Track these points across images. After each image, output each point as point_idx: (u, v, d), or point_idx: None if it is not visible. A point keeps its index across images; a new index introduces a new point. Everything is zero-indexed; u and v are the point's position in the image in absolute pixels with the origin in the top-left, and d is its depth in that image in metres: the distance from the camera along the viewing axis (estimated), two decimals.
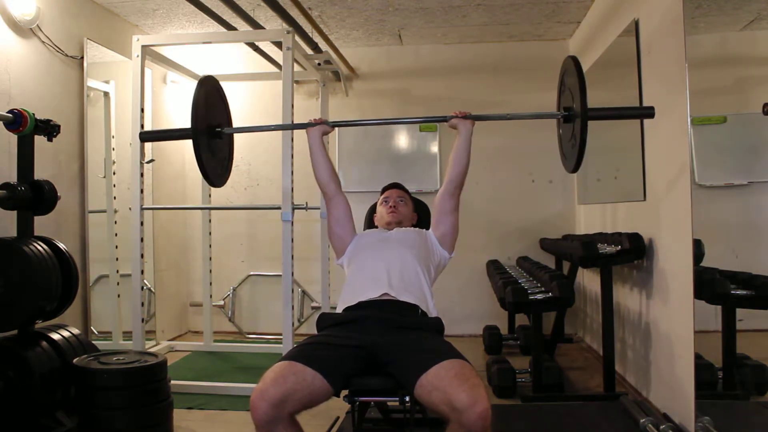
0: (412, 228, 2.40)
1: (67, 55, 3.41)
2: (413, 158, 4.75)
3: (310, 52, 4.00)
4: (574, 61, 1.99)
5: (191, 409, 3.02)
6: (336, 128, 4.65)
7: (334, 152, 4.72)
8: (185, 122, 5.13)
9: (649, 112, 2.09)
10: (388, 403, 2.26)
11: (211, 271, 4.37)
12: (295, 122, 3.14)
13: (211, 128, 2.05)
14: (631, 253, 2.92)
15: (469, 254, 4.36)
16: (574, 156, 2.03)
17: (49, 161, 3.20)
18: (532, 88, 4.68)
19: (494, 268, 4.07)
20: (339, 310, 2.07)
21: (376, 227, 2.51)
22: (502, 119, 2.42)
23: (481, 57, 4.74)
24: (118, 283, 3.86)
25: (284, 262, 3.15)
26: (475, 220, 4.43)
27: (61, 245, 2.70)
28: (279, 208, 3.20)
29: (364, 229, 2.65)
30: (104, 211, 3.86)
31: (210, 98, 2.05)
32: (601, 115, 2.15)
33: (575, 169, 2.06)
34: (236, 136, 4.76)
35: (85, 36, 3.57)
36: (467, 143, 2.31)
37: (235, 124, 5.42)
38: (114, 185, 3.90)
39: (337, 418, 2.64)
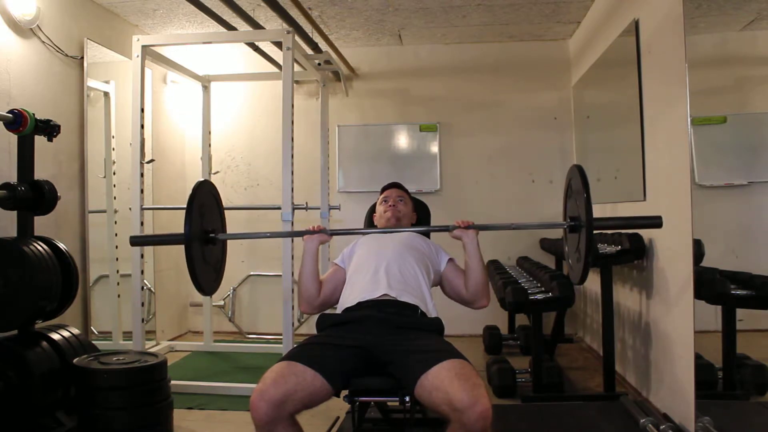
0: (416, 233, 2.39)
1: (67, 55, 3.41)
2: (413, 158, 4.75)
3: (310, 52, 4.00)
4: (579, 171, 1.95)
5: (191, 409, 3.02)
6: (336, 128, 4.73)
7: (334, 152, 4.73)
8: (185, 122, 5.12)
9: (656, 223, 2.04)
10: (388, 403, 2.26)
11: None
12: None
13: (204, 234, 2.00)
14: (631, 253, 2.92)
15: None
16: (580, 269, 1.96)
17: (49, 161, 3.20)
18: (532, 88, 4.69)
19: (494, 268, 4.07)
20: (339, 311, 2.07)
21: (376, 227, 2.51)
22: (506, 229, 2.32)
23: (481, 57, 4.74)
24: (118, 283, 3.86)
25: (284, 262, 3.15)
26: (475, 219, 4.40)
27: (61, 245, 2.70)
28: (279, 208, 3.20)
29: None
30: (104, 211, 3.86)
31: (204, 203, 2.00)
32: (608, 226, 2.13)
33: (581, 282, 1.98)
34: (235, 132, 4.86)
35: (85, 36, 3.57)
36: (476, 255, 2.15)
37: (235, 125, 5.41)
38: (114, 185, 3.90)
39: (337, 418, 2.64)
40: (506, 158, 4.68)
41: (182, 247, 1.85)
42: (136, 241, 2.24)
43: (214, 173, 4.60)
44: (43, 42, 3.22)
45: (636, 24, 3.00)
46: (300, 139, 3.47)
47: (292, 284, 3.17)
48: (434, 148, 4.74)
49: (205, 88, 4.39)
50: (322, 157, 4.31)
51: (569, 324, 4.37)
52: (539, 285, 3.25)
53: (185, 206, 1.90)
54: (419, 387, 1.62)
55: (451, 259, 2.29)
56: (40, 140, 2.75)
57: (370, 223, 2.62)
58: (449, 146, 4.72)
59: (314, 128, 4.42)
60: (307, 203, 3.51)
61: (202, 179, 2.09)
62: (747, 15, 2.61)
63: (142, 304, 3.31)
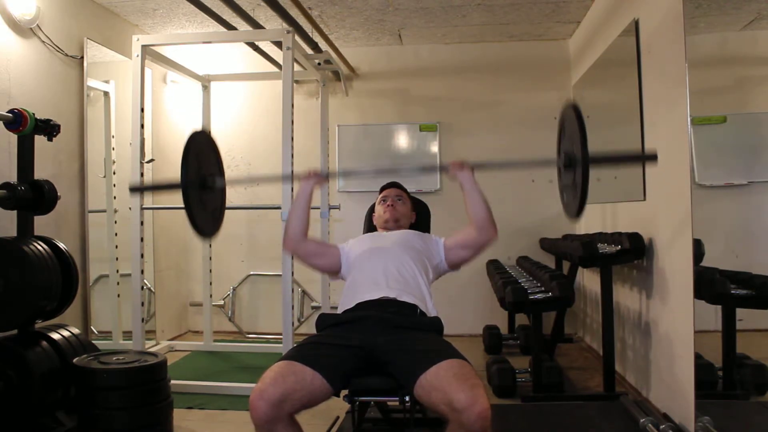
0: (412, 231, 2.39)
1: (67, 55, 3.41)
2: (413, 158, 4.74)
3: (310, 51, 4.00)
4: (575, 110, 1.96)
5: (191, 408, 3.02)
6: (336, 128, 4.73)
7: (334, 152, 4.73)
8: (184, 122, 5.12)
9: (652, 158, 2.04)
10: (388, 403, 2.26)
11: (211, 270, 4.37)
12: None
13: (202, 180, 2.01)
14: (631, 253, 2.92)
15: None
16: (575, 204, 1.96)
17: (49, 161, 3.20)
18: (532, 88, 4.69)
19: (494, 267, 4.07)
20: (339, 312, 2.07)
21: (376, 228, 2.51)
22: (501, 168, 2.34)
23: (481, 57, 4.74)
24: (118, 283, 3.86)
25: (284, 262, 3.15)
26: None
27: (61, 245, 2.70)
28: (279, 208, 3.20)
29: (363, 231, 2.65)
30: (104, 211, 3.86)
31: (201, 150, 2.02)
32: (603, 162, 2.11)
33: (577, 218, 2.00)
34: (235, 132, 4.86)
35: (85, 36, 3.57)
36: (474, 192, 2.16)
37: (235, 125, 5.40)
38: (114, 185, 3.90)
39: (337, 417, 2.64)
40: (506, 158, 4.66)
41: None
42: (135, 188, 2.28)
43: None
44: (43, 42, 3.22)
45: (636, 24, 3.00)
46: (300, 139, 3.46)
47: (292, 284, 3.17)
48: (434, 148, 4.73)
49: (205, 88, 4.39)
50: (322, 157, 4.31)
51: (569, 324, 4.37)
52: (539, 285, 3.25)
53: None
54: (418, 387, 1.63)
55: (447, 237, 2.29)
56: (40, 140, 2.75)
57: (370, 223, 2.62)
58: (449, 146, 4.72)
59: (314, 128, 4.42)
60: None
61: (200, 128, 2.12)
62: (747, 15, 2.61)
63: (142, 304, 3.31)
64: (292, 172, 3.15)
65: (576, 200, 1.94)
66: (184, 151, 1.90)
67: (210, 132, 2.19)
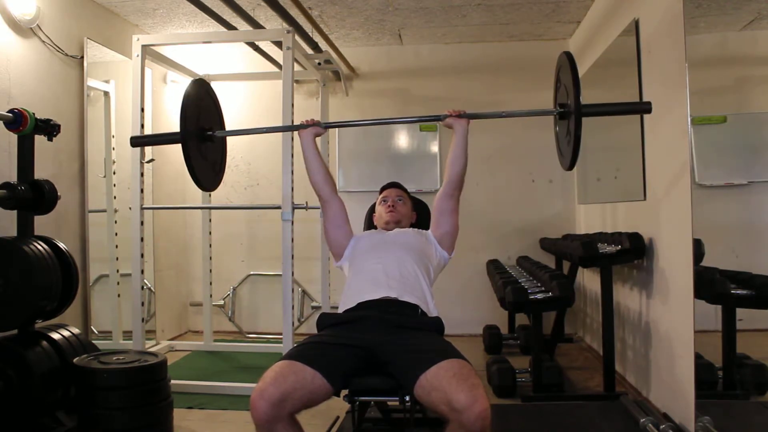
0: (411, 229, 2.39)
1: (67, 55, 3.41)
2: (413, 158, 4.75)
3: (310, 51, 4.00)
4: (568, 57, 1.99)
5: (191, 408, 3.02)
6: (337, 129, 4.72)
7: (334, 152, 4.73)
8: None
9: (646, 108, 2.07)
10: (388, 403, 2.26)
11: (211, 270, 4.37)
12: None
13: (201, 131, 2.01)
14: (631, 253, 2.92)
15: (469, 254, 4.37)
16: (569, 153, 2.02)
17: (49, 161, 3.20)
18: (532, 88, 4.67)
19: (494, 267, 4.07)
20: (340, 312, 2.07)
21: (376, 227, 2.51)
22: (496, 117, 2.39)
23: (481, 57, 4.74)
24: (118, 283, 3.86)
25: (284, 262, 3.15)
26: (475, 219, 4.43)
27: (61, 245, 2.70)
28: (279, 207, 3.20)
29: (364, 230, 2.65)
30: (104, 211, 3.86)
31: (200, 101, 2.01)
32: (596, 111, 2.12)
33: (571, 167, 2.04)
34: (236, 137, 4.83)
35: (85, 36, 3.57)
36: (463, 142, 2.28)
37: (235, 124, 5.41)
38: (114, 185, 3.90)
39: (337, 417, 2.64)
40: (506, 158, 4.68)
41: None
42: (136, 141, 2.29)
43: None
44: (43, 42, 3.22)
45: (636, 24, 3.00)
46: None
47: (292, 284, 3.17)
48: (434, 148, 4.73)
49: None
50: None
51: (569, 324, 4.37)
52: (539, 285, 3.25)
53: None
54: (418, 387, 1.63)
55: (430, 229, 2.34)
56: (40, 140, 2.75)
57: (370, 223, 2.63)
58: (449, 146, 4.70)
59: None
60: (307, 203, 3.50)
61: (198, 78, 2.13)
62: (747, 15, 2.61)
63: (142, 304, 3.31)
64: (292, 167, 3.15)
65: (570, 148, 1.96)
66: (183, 101, 1.90)
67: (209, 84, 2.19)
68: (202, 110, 2.01)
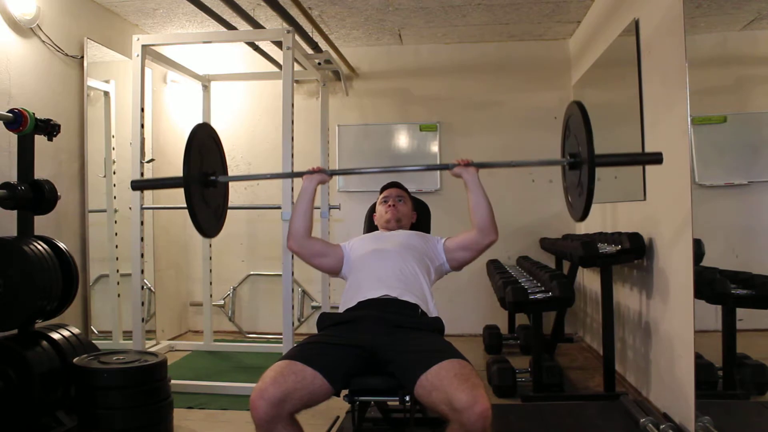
0: (414, 231, 2.39)
1: (67, 55, 3.41)
2: (413, 158, 4.74)
3: (310, 51, 4.00)
4: (580, 107, 1.94)
5: (191, 408, 3.02)
6: (336, 128, 4.73)
7: (334, 152, 4.73)
8: (184, 122, 5.12)
9: (657, 158, 2.02)
10: (388, 403, 2.26)
11: (211, 270, 4.37)
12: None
13: (204, 176, 1.98)
14: (631, 253, 2.92)
15: None
16: (581, 205, 1.94)
17: (49, 161, 3.20)
18: (532, 88, 4.69)
19: (494, 267, 4.07)
20: (340, 311, 2.07)
21: (377, 227, 2.51)
22: (506, 166, 2.32)
23: (481, 57, 4.74)
24: (118, 283, 3.86)
25: (284, 262, 3.15)
26: None
27: (62, 245, 2.70)
28: (279, 207, 3.20)
29: (364, 230, 2.65)
30: (104, 211, 3.86)
31: (204, 145, 1.98)
32: (609, 162, 2.08)
33: (582, 218, 1.96)
34: (236, 132, 4.86)
35: (86, 35, 3.57)
36: (478, 190, 2.17)
37: (235, 124, 5.41)
38: (114, 185, 3.89)
39: (337, 417, 2.64)
40: (506, 158, 4.65)
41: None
42: (137, 185, 2.24)
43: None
44: (43, 41, 3.22)
45: (636, 23, 3.00)
46: (300, 139, 3.46)
47: (292, 284, 3.17)
48: (434, 148, 4.73)
49: (205, 88, 4.39)
50: (322, 157, 4.31)
51: (569, 323, 4.37)
52: (539, 284, 3.25)
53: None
54: (419, 387, 1.63)
55: (447, 238, 2.29)
56: (40, 140, 2.75)
57: (370, 223, 2.62)
58: (449, 146, 4.72)
59: (314, 128, 4.42)
60: None
61: (202, 122, 2.10)
62: (747, 15, 2.61)
63: (142, 304, 3.31)
64: (292, 168, 3.14)
65: (582, 201, 1.92)
66: (186, 146, 1.88)
67: (212, 127, 2.16)
68: (205, 155, 1.99)
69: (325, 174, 2.25)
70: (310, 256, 2.24)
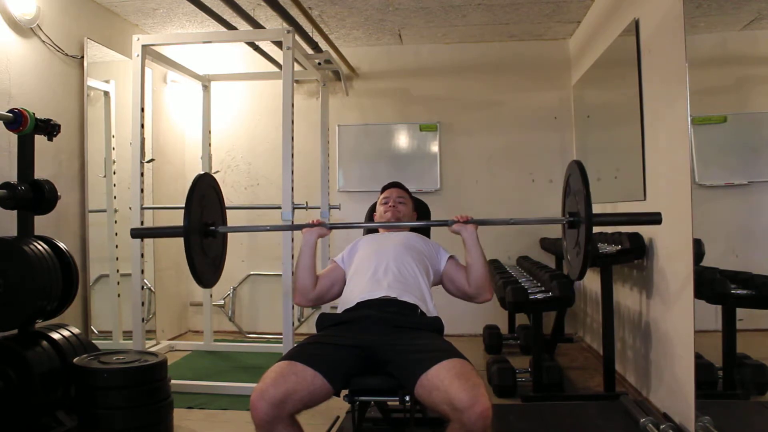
0: (415, 233, 2.39)
1: (67, 55, 3.41)
2: (413, 158, 4.75)
3: (310, 51, 4.00)
4: (579, 166, 1.94)
5: (191, 408, 3.02)
6: (336, 128, 4.73)
7: (334, 152, 4.73)
8: (184, 122, 5.11)
9: (656, 218, 2.02)
10: (388, 403, 2.26)
11: None
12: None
13: (204, 227, 1.99)
14: (631, 253, 2.92)
15: None
16: (578, 264, 1.93)
17: (49, 161, 3.20)
18: (532, 88, 4.69)
19: (494, 267, 4.08)
20: (339, 311, 2.07)
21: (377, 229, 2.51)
22: (504, 224, 2.34)
23: (481, 57, 4.74)
24: (118, 283, 3.86)
25: (284, 262, 3.15)
26: (476, 218, 4.42)
27: (62, 245, 2.70)
28: (279, 207, 3.20)
29: (364, 230, 2.65)
30: (104, 211, 3.86)
31: (205, 195, 2.00)
32: (608, 221, 2.12)
33: (580, 277, 1.96)
34: (236, 132, 4.86)
35: (86, 35, 3.57)
36: (475, 248, 2.16)
37: (235, 125, 5.40)
38: (114, 185, 3.89)
39: (337, 417, 2.64)
40: (506, 158, 4.68)
41: (182, 246, 1.86)
42: (137, 233, 2.25)
43: (215, 173, 4.59)
44: (43, 41, 3.22)
45: (636, 23, 3.00)
46: (300, 139, 3.47)
47: (292, 284, 3.17)
48: (434, 148, 4.74)
49: (206, 88, 4.39)
50: (322, 157, 4.31)
51: (569, 323, 4.37)
52: (539, 284, 3.25)
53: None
54: (419, 386, 1.62)
55: (451, 257, 2.30)
56: (40, 140, 2.75)
57: (370, 221, 2.62)
58: (449, 146, 4.72)
59: (314, 128, 4.42)
60: (307, 203, 3.51)
61: (203, 172, 2.11)
62: (747, 15, 2.61)
63: (142, 304, 3.31)
64: (292, 168, 3.14)
65: (579, 260, 1.91)
66: (187, 196, 1.89)
67: (213, 176, 2.17)
68: (205, 205, 2.00)
69: (324, 228, 2.23)
70: (320, 299, 2.25)
